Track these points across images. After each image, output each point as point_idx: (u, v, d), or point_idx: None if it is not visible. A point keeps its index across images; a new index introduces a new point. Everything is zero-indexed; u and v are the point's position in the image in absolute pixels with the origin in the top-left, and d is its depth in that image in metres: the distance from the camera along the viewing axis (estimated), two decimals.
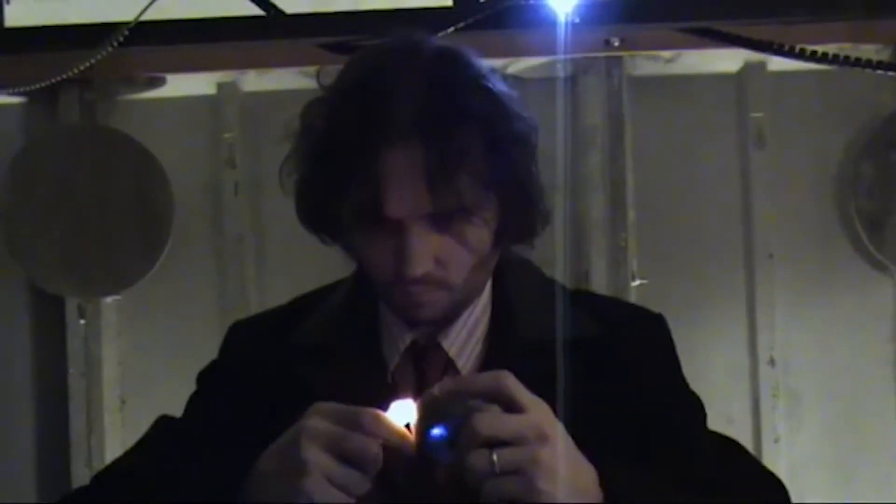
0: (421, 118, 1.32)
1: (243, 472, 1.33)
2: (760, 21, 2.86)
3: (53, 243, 3.35)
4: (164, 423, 1.62)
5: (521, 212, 1.44)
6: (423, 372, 1.49)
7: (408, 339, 1.49)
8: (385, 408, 1.31)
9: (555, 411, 1.30)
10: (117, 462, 1.60)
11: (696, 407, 1.58)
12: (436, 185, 1.32)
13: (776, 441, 3.39)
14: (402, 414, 1.27)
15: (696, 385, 3.30)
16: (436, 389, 1.28)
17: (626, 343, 1.52)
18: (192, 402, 1.61)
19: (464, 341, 1.49)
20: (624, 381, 1.48)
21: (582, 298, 1.59)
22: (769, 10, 2.85)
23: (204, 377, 1.62)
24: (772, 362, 3.40)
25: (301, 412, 1.35)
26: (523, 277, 1.55)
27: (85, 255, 3.34)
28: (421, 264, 1.36)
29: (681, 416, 1.55)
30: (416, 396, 1.41)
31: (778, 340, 3.40)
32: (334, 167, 1.36)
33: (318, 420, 1.25)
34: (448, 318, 1.48)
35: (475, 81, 1.38)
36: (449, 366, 1.49)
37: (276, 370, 1.50)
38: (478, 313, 1.51)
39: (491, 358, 1.49)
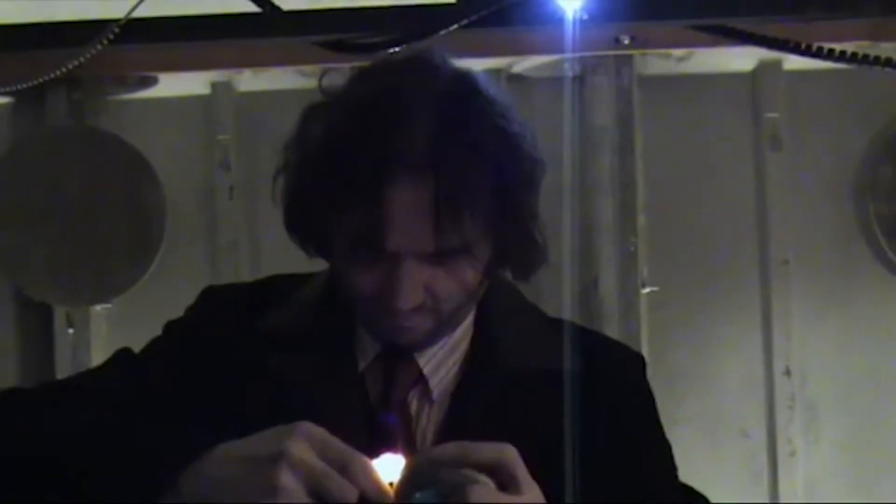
0: (433, 151, 1.31)
1: (183, 451, 1.29)
2: (776, 18, 2.86)
3: (40, 249, 3.34)
4: (120, 359, 1.59)
5: (519, 253, 1.45)
6: (393, 381, 1.48)
7: (378, 347, 1.49)
8: (354, 418, 1.32)
9: (528, 445, 1.29)
10: (61, 382, 1.59)
11: (667, 457, 1.57)
12: (442, 225, 1.32)
13: (792, 455, 3.38)
14: (389, 469, 1.25)
15: (708, 397, 3.31)
16: (434, 452, 1.27)
17: (602, 382, 1.51)
18: (152, 348, 1.59)
19: (441, 360, 1.49)
20: (596, 422, 1.48)
21: (563, 330, 1.59)
22: (786, 6, 2.85)
23: (171, 329, 1.60)
24: (788, 372, 3.40)
25: (262, 398, 1.36)
26: (507, 303, 1.56)
27: (73, 261, 3.34)
28: (412, 297, 1.36)
29: (650, 466, 1.54)
30: (383, 402, 1.42)
31: (794, 350, 3.40)
32: (333, 185, 1.35)
33: (304, 448, 1.21)
34: (427, 343, 1.48)
35: (491, 119, 1.37)
36: (420, 381, 1.48)
37: (243, 350, 1.50)
38: (459, 335, 1.51)
39: (467, 384, 1.49)
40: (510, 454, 1.24)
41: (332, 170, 1.35)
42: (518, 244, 1.43)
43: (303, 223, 1.46)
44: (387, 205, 1.32)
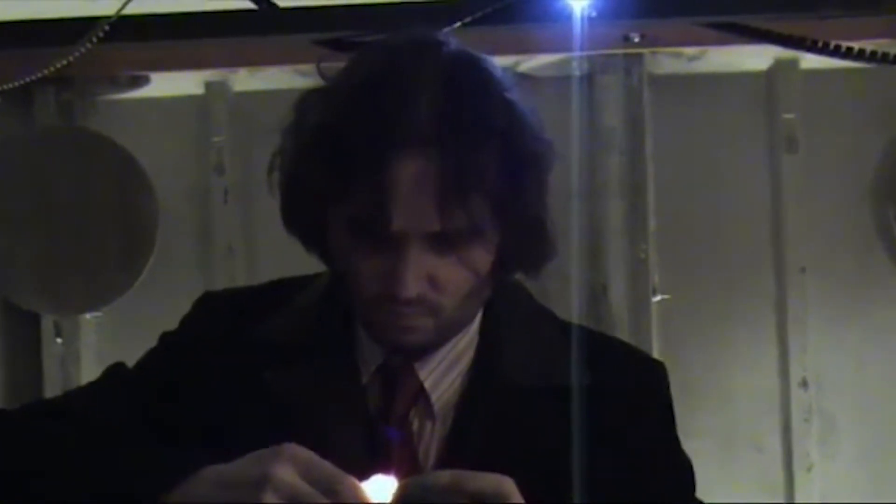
0: (439, 126, 1.30)
1: (174, 467, 1.29)
2: (792, 15, 2.86)
3: (27, 255, 3.34)
4: (114, 373, 1.59)
5: (528, 240, 1.42)
6: (392, 396, 1.47)
7: (380, 359, 1.47)
8: (357, 438, 1.32)
9: (534, 464, 1.28)
10: (53, 400, 1.59)
11: (685, 474, 1.56)
12: (448, 202, 1.30)
13: (809, 469, 3.38)
14: (380, 491, 1.25)
15: (722, 409, 3.30)
16: (429, 478, 1.26)
17: (619, 394, 1.50)
18: (147, 360, 1.58)
19: (443, 373, 1.47)
20: (611, 437, 1.46)
21: (576, 337, 1.57)
22: (802, 3, 2.85)
23: (166, 341, 1.60)
24: (804, 384, 3.39)
25: (261, 414, 1.36)
26: (515, 308, 1.53)
27: (62, 268, 3.34)
28: (415, 286, 1.34)
29: (668, 484, 1.53)
30: (383, 419, 1.41)
31: (810, 360, 3.40)
32: (331, 167, 1.34)
33: (289, 472, 1.21)
34: (430, 346, 1.46)
35: (497, 92, 1.36)
36: (421, 395, 1.47)
37: (241, 362, 1.49)
38: (463, 345, 1.49)
39: (470, 397, 1.47)
40: (507, 486, 1.23)
41: (333, 148, 1.33)
42: (528, 231, 1.40)
43: (301, 213, 1.45)
44: (391, 181, 1.30)
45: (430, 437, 1.45)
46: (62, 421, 1.46)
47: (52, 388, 3.38)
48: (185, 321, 1.60)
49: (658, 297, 3.37)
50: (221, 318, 1.56)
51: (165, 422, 1.44)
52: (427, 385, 1.46)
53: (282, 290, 1.57)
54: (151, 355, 1.58)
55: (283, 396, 1.44)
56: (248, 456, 1.25)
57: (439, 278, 1.36)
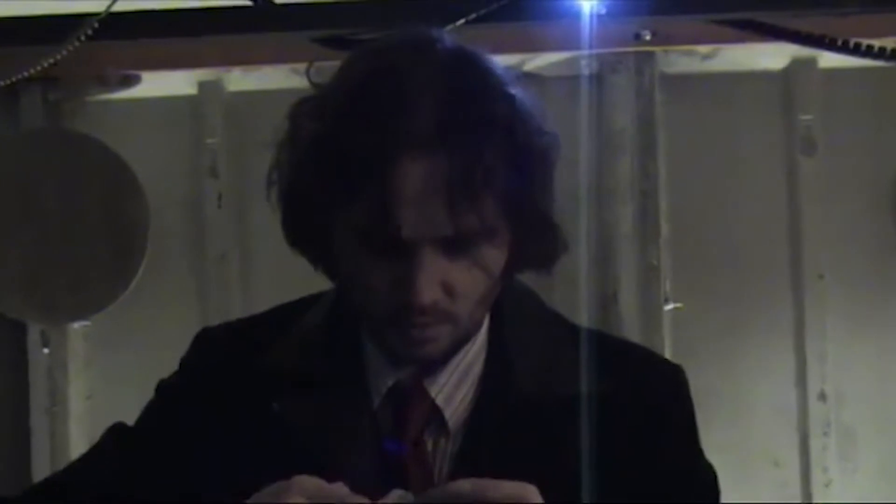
0: (442, 126, 1.30)
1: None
2: (810, 12, 2.86)
3: (14, 262, 3.34)
4: (116, 434, 1.59)
5: (540, 235, 1.42)
6: (405, 417, 1.47)
7: (390, 380, 1.47)
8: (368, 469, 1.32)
9: (549, 476, 1.28)
10: (56, 476, 1.58)
11: (709, 482, 1.56)
12: (458, 204, 1.30)
13: (828, 485, 3.37)
14: None
15: (737, 423, 3.28)
16: (449, 487, 1.26)
17: (637, 402, 1.49)
18: (148, 414, 1.58)
19: (454, 387, 1.47)
20: (631, 447, 1.46)
21: (590, 342, 1.56)
22: None
23: (166, 388, 1.59)
24: (822, 396, 3.39)
25: (274, 449, 1.37)
26: (524, 314, 1.53)
27: (49, 275, 3.33)
28: (430, 292, 1.34)
29: (692, 493, 1.52)
30: (397, 439, 1.41)
31: (829, 372, 3.39)
32: (332, 177, 1.34)
33: (301, 501, 1.23)
34: (444, 356, 1.46)
35: (498, 87, 1.37)
36: (433, 413, 1.47)
37: (248, 399, 1.49)
38: (472, 356, 1.48)
39: (482, 410, 1.47)
40: (530, 493, 1.23)
41: (333, 158, 1.33)
42: (539, 226, 1.41)
43: (304, 227, 1.44)
44: (397, 186, 1.30)
45: (445, 454, 1.45)
46: (66, 501, 1.47)
47: (38, 399, 3.38)
48: (185, 362, 1.60)
49: (670, 306, 3.36)
50: (223, 353, 1.56)
51: (176, 474, 1.45)
52: (439, 402, 1.46)
53: (283, 317, 1.57)
54: (151, 410, 1.58)
55: (295, 428, 1.44)
56: (255, 495, 1.26)
57: (453, 284, 1.36)
